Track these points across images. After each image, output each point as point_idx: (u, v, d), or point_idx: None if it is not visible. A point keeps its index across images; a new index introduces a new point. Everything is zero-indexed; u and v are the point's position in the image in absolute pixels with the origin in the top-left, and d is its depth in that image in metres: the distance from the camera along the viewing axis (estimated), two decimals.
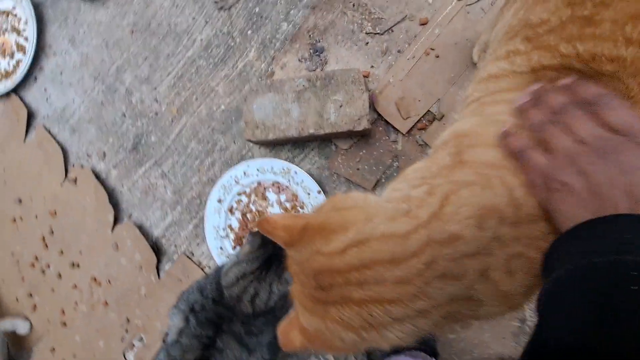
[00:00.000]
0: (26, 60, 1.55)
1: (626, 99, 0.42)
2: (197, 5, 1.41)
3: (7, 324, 1.51)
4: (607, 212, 0.35)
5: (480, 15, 1.14)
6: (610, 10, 0.44)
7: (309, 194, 1.20)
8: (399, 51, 1.20)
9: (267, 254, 0.83)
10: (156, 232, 1.42)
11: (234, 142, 1.34)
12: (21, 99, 1.60)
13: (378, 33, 1.22)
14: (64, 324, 1.49)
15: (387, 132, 1.19)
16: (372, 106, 1.18)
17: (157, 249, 1.39)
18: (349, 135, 1.19)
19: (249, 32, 1.35)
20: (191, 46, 1.41)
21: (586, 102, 0.41)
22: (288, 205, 1.23)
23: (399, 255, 0.40)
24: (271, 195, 1.25)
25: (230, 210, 1.27)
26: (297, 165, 1.22)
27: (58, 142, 1.54)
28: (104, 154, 1.49)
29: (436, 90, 1.16)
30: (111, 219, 1.43)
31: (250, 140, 1.22)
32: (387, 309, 0.40)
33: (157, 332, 1.36)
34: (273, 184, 1.24)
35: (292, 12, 1.31)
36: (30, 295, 1.55)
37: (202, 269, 1.33)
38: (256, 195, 1.25)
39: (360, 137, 1.21)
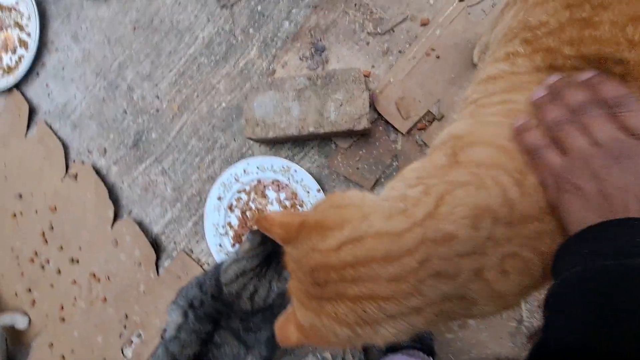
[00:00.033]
0: (28, 56, 1.55)
1: None
2: (200, 3, 1.41)
3: (6, 319, 1.51)
4: (617, 215, 0.35)
5: (481, 16, 1.15)
6: (608, 12, 0.44)
7: (308, 192, 1.20)
8: (399, 51, 1.21)
9: (267, 251, 0.83)
10: (156, 229, 1.42)
11: (234, 140, 1.35)
12: (23, 94, 1.60)
13: (379, 33, 1.22)
14: (63, 319, 1.50)
15: (386, 132, 1.20)
16: (372, 106, 1.18)
17: (157, 246, 1.40)
18: (349, 134, 1.19)
19: (251, 30, 1.35)
20: (193, 43, 1.41)
21: (605, 102, 0.39)
22: (287, 203, 1.24)
23: (393, 253, 0.40)
24: (271, 193, 1.25)
25: (230, 207, 1.28)
26: (297, 164, 1.22)
27: (59, 138, 1.54)
28: (105, 150, 1.50)
29: (436, 91, 1.16)
30: (111, 215, 1.43)
31: (250, 138, 1.22)
32: (381, 306, 0.40)
33: (155, 329, 1.37)
34: (273, 182, 1.25)
35: (293, 10, 1.32)
36: (30, 290, 1.55)
37: (201, 266, 1.34)
38: (256, 193, 1.26)
39: (360, 137, 1.21)
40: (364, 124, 1.11)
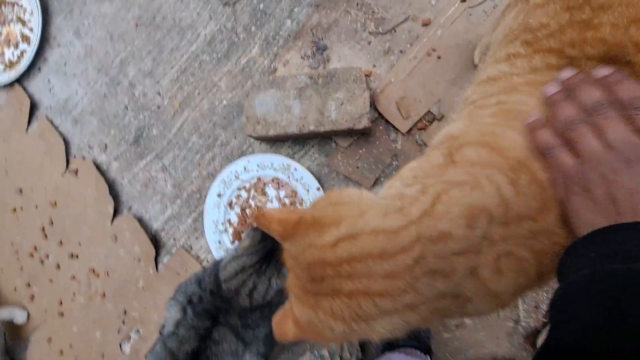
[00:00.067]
0: (30, 51, 1.55)
1: None
2: (202, 1, 1.41)
3: (5, 313, 1.52)
4: (626, 219, 0.34)
5: (482, 18, 1.15)
6: (608, 15, 0.44)
7: (308, 190, 1.21)
8: (401, 51, 1.21)
9: (267, 248, 0.84)
10: (155, 225, 1.42)
11: (235, 138, 1.35)
12: (24, 89, 1.60)
13: (381, 33, 1.23)
14: (62, 314, 1.50)
15: (387, 131, 1.20)
16: (373, 105, 1.19)
17: (156, 242, 1.40)
18: (349, 133, 1.19)
19: (253, 28, 1.36)
20: (195, 41, 1.42)
21: (621, 103, 0.39)
22: (287, 201, 1.24)
23: (389, 250, 0.41)
24: (271, 191, 1.25)
25: (230, 205, 1.28)
26: (297, 162, 1.23)
27: (60, 133, 1.55)
28: (106, 146, 1.50)
29: (437, 91, 1.16)
30: (111, 210, 1.44)
31: (251, 136, 1.22)
32: (376, 302, 0.41)
33: (154, 325, 1.37)
34: (273, 180, 1.25)
35: (296, 9, 1.32)
36: (29, 285, 1.56)
37: (200, 263, 1.34)
38: (256, 191, 1.26)
39: (360, 136, 1.21)
40: (364, 123, 1.12)
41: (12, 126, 1.61)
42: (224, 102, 1.37)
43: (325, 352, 1.10)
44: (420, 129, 1.18)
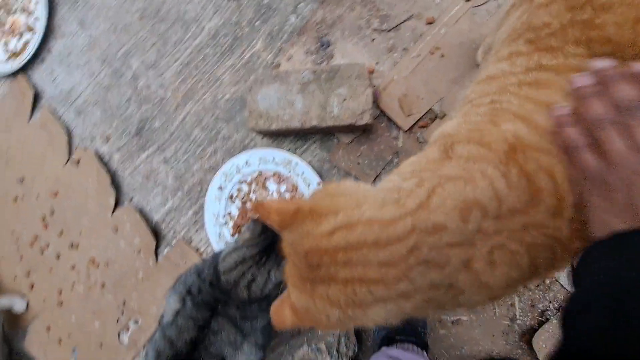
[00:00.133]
0: (35, 41, 1.56)
1: None
2: None
3: (4, 302, 1.52)
4: None
5: (486, 17, 1.15)
6: (610, 14, 0.45)
7: (309, 185, 1.21)
8: (404, 49, 1.21)
9: (267, 241, 0.84)
10: (156, 217, 1.43)
11: (237, 131, 1.35)
12: (28, 79, 1.61)
13: (385, 30, 1.23)
14: (61, 303, 1.51)
15: (388, 128, 1.21)
16: (375, 102, 1.19)
17: (156, 234, 1.41)
18: (351, 129, 1.20)
19: (257, 22, 1.36)
20: (199, 34, 1.42)
21: None
22: (288, 195, 1.25)
23: (384, 239, 0.42)
24: (272, 185, 1.26)
25: (231, 198, 1.29)
26: (298, 157, 1.23)
27: (63, 124, 1.55)
28: (108, 138, 1.51)
29: (439, 89, 1.17)
30: (112, 202, 1.44)
31: (253, 130, 1.23)
32: (371, 289, 0.42)
33: (152, 315, 1.38)
34: (274, 174, 1.26)
35: (300, 5, 1.32)
36: (28, 274, 1.56)
37: (200, 255, 1.35)
38: (257, 185, 1.27)
39: (362, 132, 1.22)
40: (366, 119, 1.12)
41: (15, 116, 1.62)
42: (227, 95, 1.37)
43: (322, 345, 1.11)
44: (421, 127, 1.18)
